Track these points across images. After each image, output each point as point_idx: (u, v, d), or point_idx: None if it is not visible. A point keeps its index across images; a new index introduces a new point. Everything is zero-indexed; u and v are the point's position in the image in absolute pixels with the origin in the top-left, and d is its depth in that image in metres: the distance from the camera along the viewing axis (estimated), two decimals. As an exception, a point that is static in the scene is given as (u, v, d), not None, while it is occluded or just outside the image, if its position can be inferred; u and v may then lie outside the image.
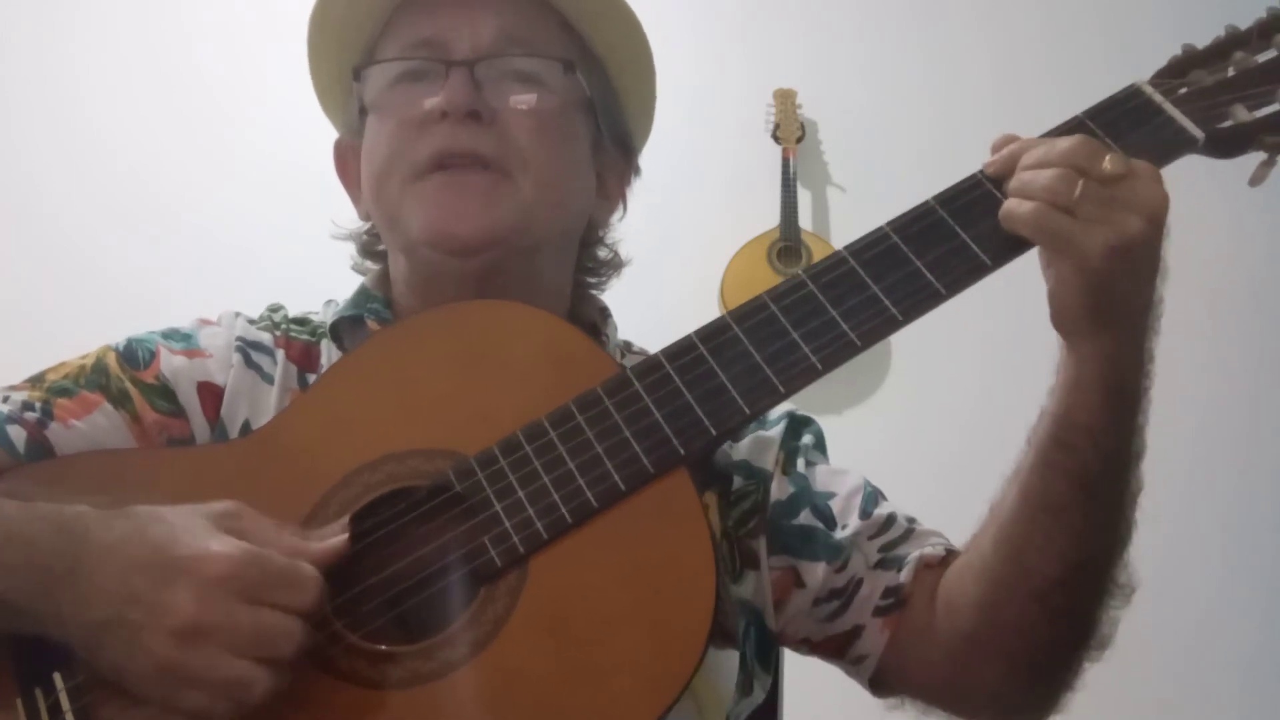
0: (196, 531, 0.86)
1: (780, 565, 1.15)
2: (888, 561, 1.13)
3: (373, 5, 1.17)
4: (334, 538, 0.92)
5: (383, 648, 0.90)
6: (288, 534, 0.90)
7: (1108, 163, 0.92)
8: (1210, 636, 2.75)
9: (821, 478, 1.18)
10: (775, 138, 3.07)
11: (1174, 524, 2.71)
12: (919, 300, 0.96)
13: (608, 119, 1.22)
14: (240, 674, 0.83)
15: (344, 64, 1.20)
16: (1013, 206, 0.95)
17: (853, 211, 3.06)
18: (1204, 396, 2.81)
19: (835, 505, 1.16)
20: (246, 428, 1.10)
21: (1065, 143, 0.95)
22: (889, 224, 0.99)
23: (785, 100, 3.08)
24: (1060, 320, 0.96)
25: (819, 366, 0.96)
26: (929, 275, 0.96)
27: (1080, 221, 0.91)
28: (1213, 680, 2.71)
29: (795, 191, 3.02)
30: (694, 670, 0.87)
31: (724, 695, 1.10)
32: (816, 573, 1.13)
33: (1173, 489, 2.72)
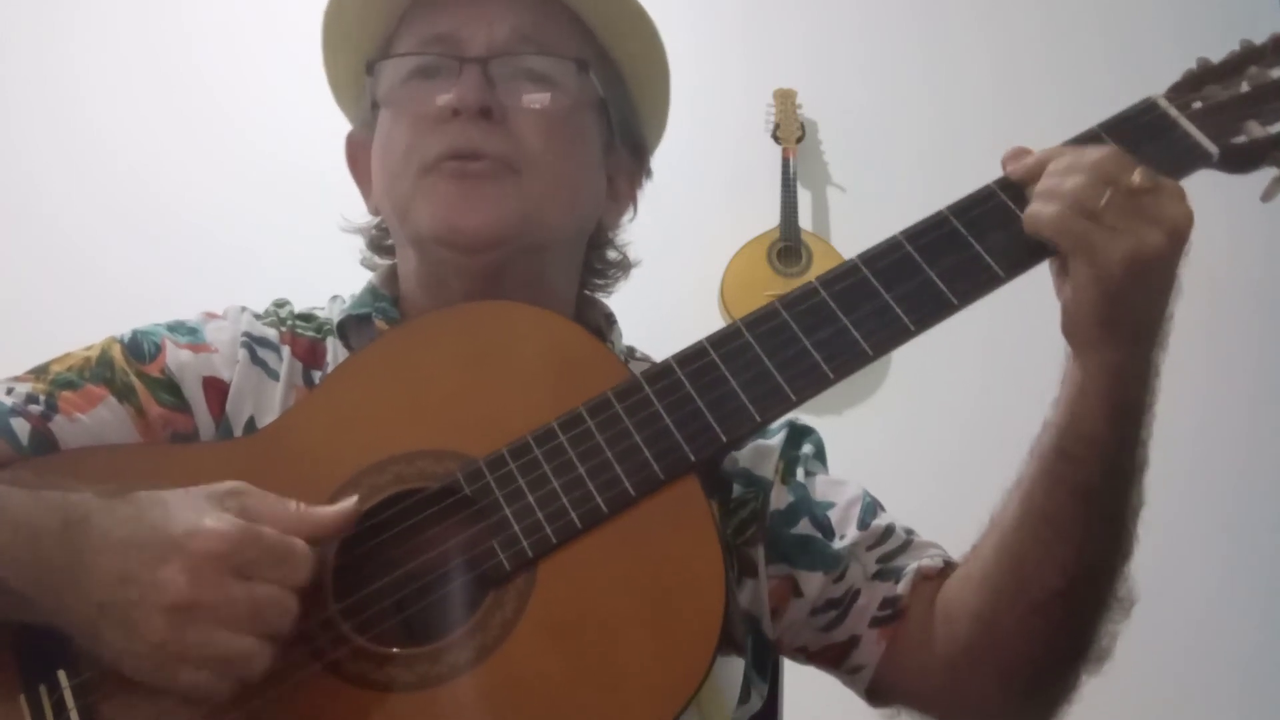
0: (192, 509, 0.86)
1: (778, 574, 1.15)
2: (885, 573, 1.13)
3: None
4: (342, 504, 0.92)
5: (390, 650, 0.90)
6: (293, 505, 0.90)
7: (1137, 175, 0.93)
8: (1210, 637, 2.75)
9: (820, 487, 1.18)
10: (775, 138, 3.07)
11: (1174, 524, 2.71)
12: (931, 310, 0.96)
13: (620, 120, 1.22)
14: (237, 648, 0.83)
15: (360, 57, 1.20)
16: (1038, 208, 0.95)
17: (853, 211, 3.07)
18: (1204, 396, 2.81)
19: (834, 515, 1.16)
20: (251, 424, 1.10)
21: (1096, 152, 0.95)
22: (902, 233, 0.99)
23: (785, 100, 3.08)
24: (1072, 329, 0.96)
25: (830, 375, 0.96)
26: (941, 285, 0.96)
27: (1103, 229, 0.92)
28: (1213, 680, 2.72)
29: (795, 191, 3.02)
30: (703, 677, 0.87)
31: (728, 703, 1.10)
32: (814, 582, 1.13)
33: (1173, 489, 2.72)
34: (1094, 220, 0.92)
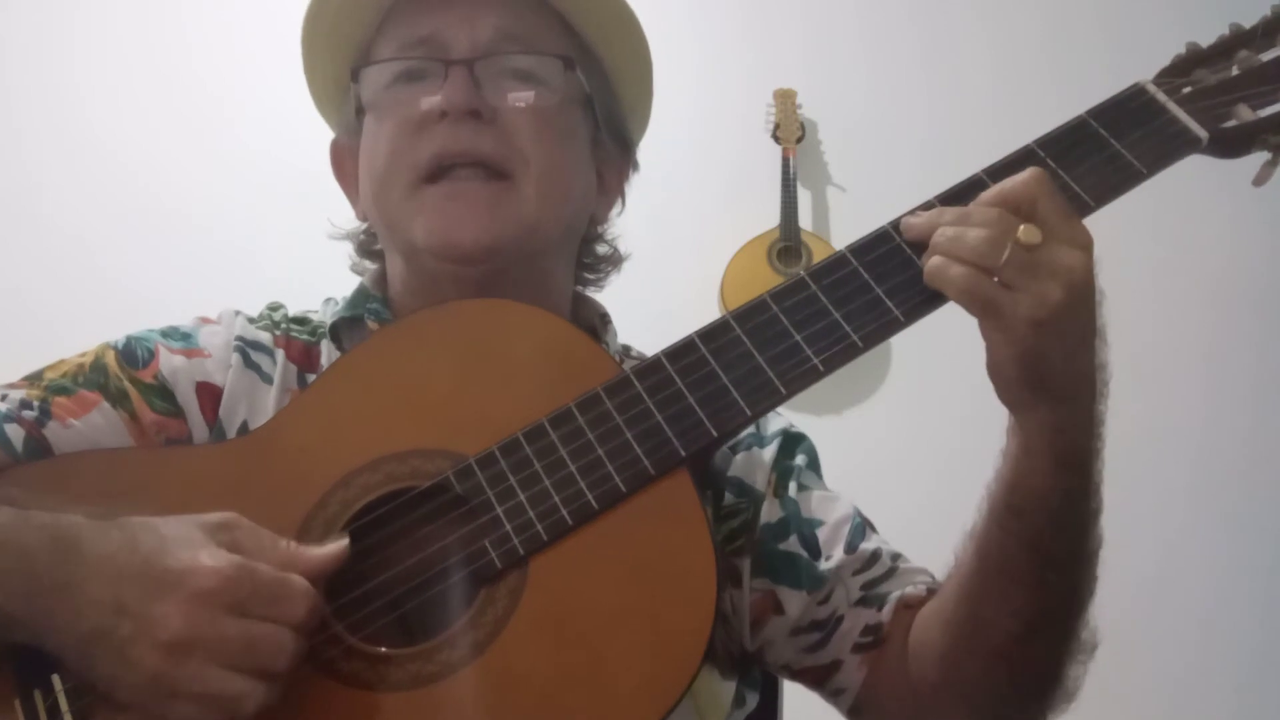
0: (188, 543, 0.85)
1: (761, 588, 1.14)
2: (869, 599, 1.12)
3: (368, 3, 1.17)
4: (332, 545, 0.91)
5: (383, 650, 0.90)
6: (284, 544, 0.89)
7: (1022, 232, 0.88)
8: (1211, 637, 2.75)
9: (812, 503, 1.17)
10: (775, 138, 3.07)
11: (1174, 524, 2.72)
12: (921, 301, 0.95)
13: (606, 115, 1.22)
14: (230, 688, 0.82)
15: (339, 63, 1.20)
16: (940, 267, 0.92)
17: (853, 211, 3.07)
18: (1205, 394, 2.81)
19: (821, 534, 1.15)
20: (244, 428, 1.10)
21: (988, 211, 0.91)
22: (891, 224, 0.98)
23: (785, 100, 3.08)
24: (1002, 394, 0.94)
25: (821, 368, 0.95)
26: None
27: (1006, 290, 0.88)
28: (1213, 680, 2.71)
29: (795, 191, 3.02)
30: (696, 671, 0.87)
31: (724, 700, 1.11)
32: (796, 601, 1.12)
33: (1173, 489, 2.73)
34: (996, 278, 0.88)
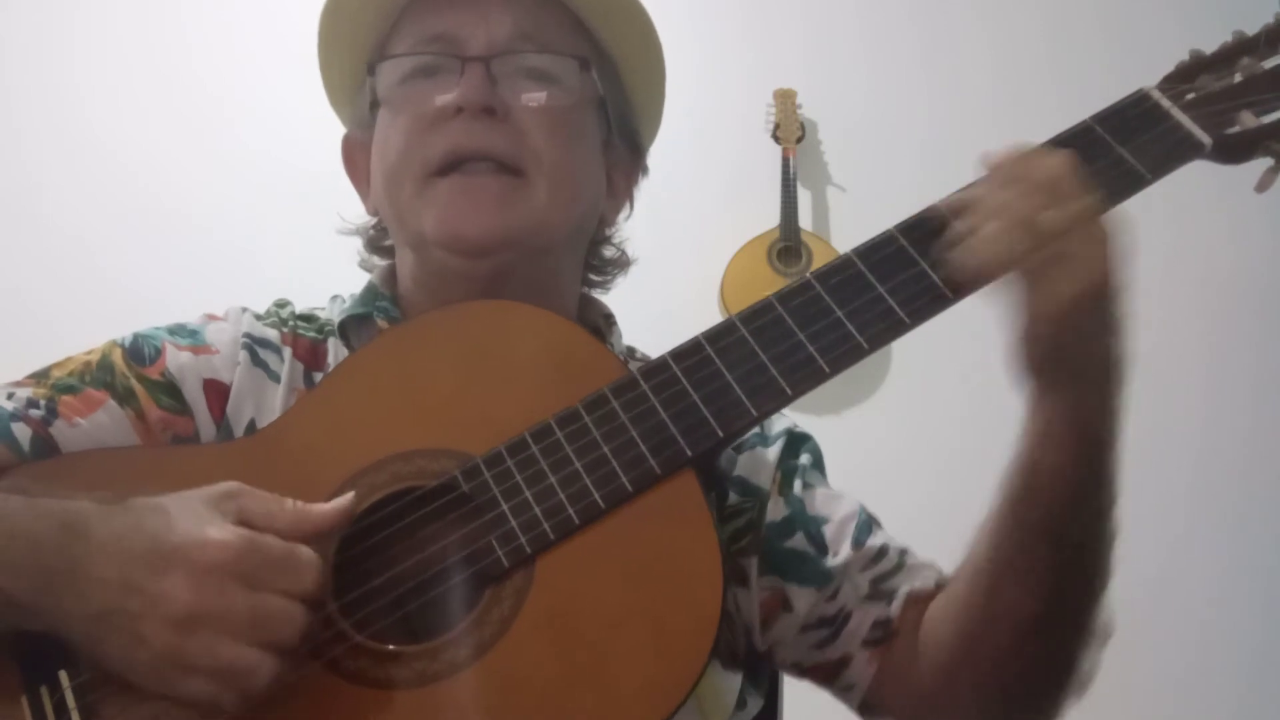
0: (193, 518, 0.85)
1: (769, 586, 1.14)
2: (878, 594, 1.12)
3: None
4: (339, 500, 0.92)
5: (388, 647, 0.90)
6: (290, 503, 0.90)
7: (1045, 220, 0.90)
8: (1211, 637, 2.75)
9: (817, 501, 1.17)
10: (775, 138, 3.07)
11: (1175, 524, 2.72)
12: (926, 303, 0.95)
13: (618, 117, 1.22)
14: (241, 660, 0.82)
15: (355, 58, 1.20)
16: (995, 233, 0.93)
17: (853, 211, 3.07)
18: (1206, 395, 2.81)
19: (828, 531, 1.15)
20: (252, 427, 1.10)
21: (1032, 175, 0.93)
22: (895, 226, 0.99)
23: (785, 100, 3.08)
24: (1021, 374, 0.95)
25: (826, 369, 0.96)
26: (934, 277, 0.96)
27: (1055, 259, 0.90)
28: (1214, 680, 2.72)
29: (795, 191, 3.02)
30: (700, 672, 0.87)
31: (728, 700, 1.11)
32: (805, 598, 1.12)
33: (1175, 488, 2.73)
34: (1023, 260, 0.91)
